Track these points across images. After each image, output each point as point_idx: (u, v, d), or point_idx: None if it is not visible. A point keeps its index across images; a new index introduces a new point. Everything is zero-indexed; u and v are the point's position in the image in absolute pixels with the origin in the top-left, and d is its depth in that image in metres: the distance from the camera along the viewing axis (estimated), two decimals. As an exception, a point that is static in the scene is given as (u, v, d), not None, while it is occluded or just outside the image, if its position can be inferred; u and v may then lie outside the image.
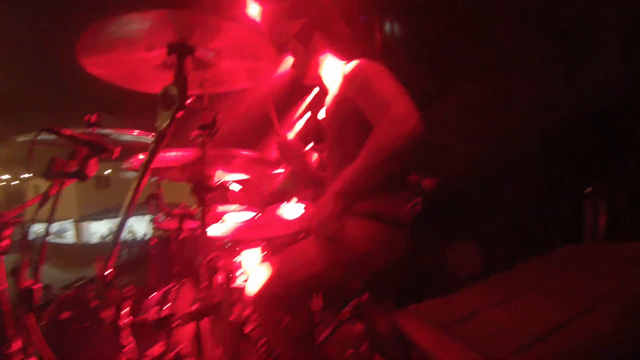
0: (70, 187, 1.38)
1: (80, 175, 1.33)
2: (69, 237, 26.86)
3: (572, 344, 0.93)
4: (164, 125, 0.91)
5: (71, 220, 26.55)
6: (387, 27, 4.06)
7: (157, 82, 1.09)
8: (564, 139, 2.59)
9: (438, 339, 1.02)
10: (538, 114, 2.77)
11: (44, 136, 1.33)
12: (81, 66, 1.08)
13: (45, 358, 1.26)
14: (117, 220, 1.07)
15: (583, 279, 1.33)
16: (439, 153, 2.79)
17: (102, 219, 26.59)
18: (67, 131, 1.33)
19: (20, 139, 1.46)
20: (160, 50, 1.07)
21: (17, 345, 1.26)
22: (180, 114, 0.93)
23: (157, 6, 0.92)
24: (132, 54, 1.11)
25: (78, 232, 26.85)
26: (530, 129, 2.76)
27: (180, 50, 1.03)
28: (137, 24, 0.98)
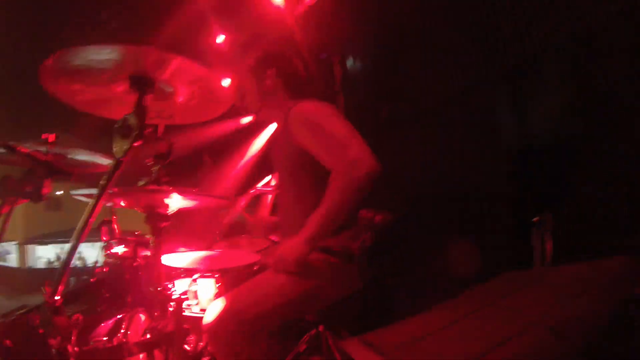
0: (17, 208, 1.34)
1: (35, 196, 1.30)
2: (12, 261, 25.29)
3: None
4: (121, 153, 0.92)
5: (15, 242, 25.03)
6: (350, 62, 4.22)
7: (119, 108, 1.11)
8: (512, 171, 2.76)
9: None
10: (487, 148, 2.93)
11: None
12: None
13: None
14: (66, 245, 1.05)
15: (522, 302, 1.41)
16: (389, 185, 2.88)
17: (49, 243, 25.26)
18: (24, 149, 1.30)
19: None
20: (123, 81, 1.09)
21: None
22: (138, 143, 0.94)
23: (121, 42, 0.95)
24: (95, 84, 1.12)
25: (22, 255, 25.31)
26: (481, 163, 2.91)
27: (141, 83, 1.06)
28: (101, 56, 1.01)
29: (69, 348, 1.05)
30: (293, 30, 4.09)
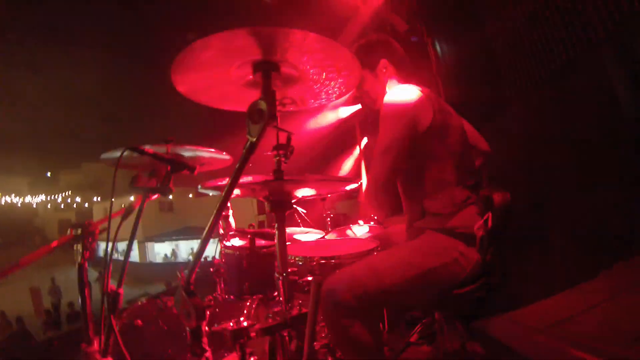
0: (135, 210, 1.45)
1: (164, 190, 1.40)
2: (133, 257, 28.48)
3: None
4: (255, 135, 0.95)
5: (135, 241, 28.02)
6: (441, 47, 4.05)
7: (242, 100, 1.14)
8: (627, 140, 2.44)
9: (538, 342, 1.00)
10: (605, 119, 2.62)
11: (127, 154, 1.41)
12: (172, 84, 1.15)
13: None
14: (180, 242, 1.10)
15: None
16: (505, 165, 2.70)
17: (164, 241, 28.00)
18: (150, 150, 1.41)
19: (105, 156, 1.56)
20: (248, 69, 1.14)
21: (97, 344, 1.34)
22: (271, 124, 0.96)
23: (240, 25, 0.97)
24: (221, 74, 1.17)
25: (142, 252, 28.32)
26: (601, 135, 2.61)
27: (265, 67, 1.08)
28: (223, 43, 1.04)
29: (203, 327, 1.09)
30: (377, 19, 4.03)
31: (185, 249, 27.44)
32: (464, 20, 3.85)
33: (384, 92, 1.81)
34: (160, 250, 28.47)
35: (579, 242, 2.47)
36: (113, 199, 1.44)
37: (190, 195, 30.98)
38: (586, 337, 0.97)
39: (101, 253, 1.46)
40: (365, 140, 2.39)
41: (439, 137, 1.61)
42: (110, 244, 1.32)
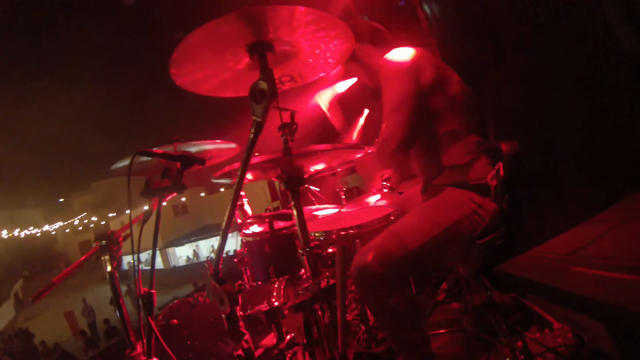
0: (152, 219, 1.47)
1: (178, 187, 1.42)
2: (157, 264, 28.73)
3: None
4: (260, 115, 0.97)
5: (157, 248, 28.42)
6: (430, 7, 3.99)
7: (242, 86, 1.16)
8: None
9: (559, 270, 1.03)
10: (604, 57, 2.58)
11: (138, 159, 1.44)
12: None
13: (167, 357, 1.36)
14: (200, 242, 1.13)
15: None
16: (508, 115, 2.69)
17: (184, 244, 28.36)
18: (159, 150, 1.43)
19: (115, 167, 1.59)
20: (242, 53, 1.15)
21: (140, 347, 1.39)
22: (274, 102, 0.98)
23: (228, 10, 0.99)
24: (216, 62, 1.19)
25: (165, 258, 28.71)
26: (602, 73, 2.58)
27: (260, 48, 1.10)
28: (213, 32, 1.06)
29: (238, 312, 1.12)
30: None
31: (206, 247, 27.74)
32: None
33: (373, 68, 1.86)
34: (182, 254, 28.86)
35: (589, 179, 2.47)
36: (130, 207, 1.47)
37: (202, 194, 31.15)
38: (602, 258, 0.99)
39: (125, 266, 1.50)
40: (366, 112, 2.39)
41: (442, 90, 1.64)
42: (134, 250, 1.35)
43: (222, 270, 1.14)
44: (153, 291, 1.40)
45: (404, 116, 1.59)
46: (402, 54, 1.67)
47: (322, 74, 1.37)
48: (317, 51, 1.23)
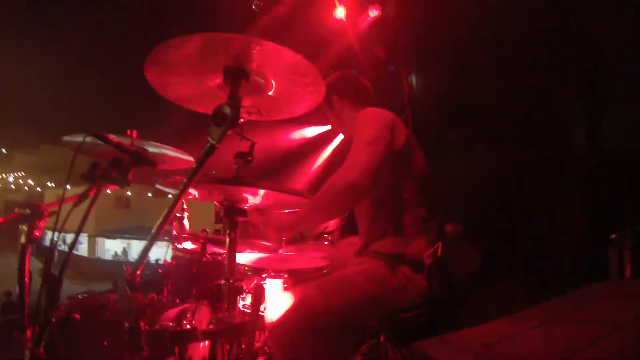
0: (88, 203, 1.40)
1: (122, 182, 1.37)
2: (82, 250, 27.18)
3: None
4: (217, 138, 0.96)
5: (86, 234, 26.90)
6: (414, 79, 4.20)
7: (210, 103, 1.15)
8: (587, 187, 2.61)
9: None
10: (561, 162, 2.79)
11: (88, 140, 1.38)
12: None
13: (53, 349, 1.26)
14: (132, 241, 1.09)
15: (605, 310, 1.37)
16: (458, 201, 2.80)
17: (116, 238, 26.95)
18: (114, 138, 1.38)
19: (67, 138, 1.52)
20: (218, 73, 1.15)
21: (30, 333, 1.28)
22: (231, 130, 0.98)
23: (215, 30, 1.00)
24: (192, 74, 1.18)
25: (92, 246, 27.13)
26: (555, 178, 2.77)
27: (235, 73, 1.10)
28: (197, 45, 1.06)
29: (142, 325, 1.07)
30: (358, 44, 4.15)
31: (137, 248, 26.32)
32: (441, 57, 4.01)
33: (346, 123, 1.91)
34: (111, 247, 27.36)
35: (521, 275, 2.58)
36: (68, 185, 1.40)
37: (150, 195, 30.02)
38: (517, 356, 1.04)
39: (48, 242, 1.41)
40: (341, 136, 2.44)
41: (408, 158, 1.66)
42: (57, 229, 1.27)
43: (139, 277, 1.09)
44: (61, 278, 1.30)
45: (377, 152, 1.51)
46: (378, 110, 1.69)
47: (287, 115, 1.39)
48: (289, 93, 1.25)
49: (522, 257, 2.70)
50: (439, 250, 1.61)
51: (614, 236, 2.23)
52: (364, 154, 1.51)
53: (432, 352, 1.24)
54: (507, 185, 2.96)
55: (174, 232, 2.26)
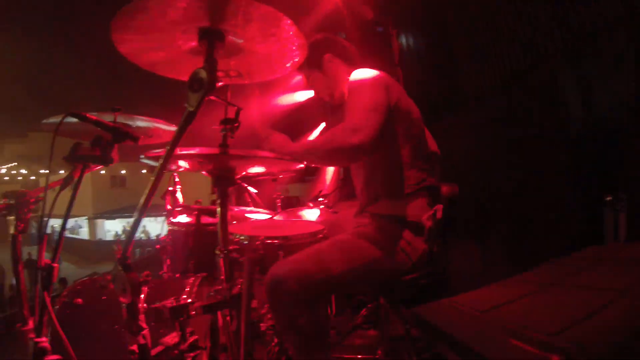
0: (86, 185, 1.36)
1: (105, 160, 1.33)
2: (83, 234, 27.32)
3: (601, 329, 0.94)
4: (194, 105, 0.91)
5: (85, 217, 26.99)
6: (404, 39, 4.09)
7: (185, 69, 1.09)
8: (582, 150, 2.60)
9: (472, 327, 1.03)
10: (556, 127, 2.76)
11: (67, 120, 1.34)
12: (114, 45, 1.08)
13: (58, 337, 1.26)
14: (131, 220, 1.07)
15: (604, 276, 1.36)
16: (454, 162, 2.78)
17: (116, 218, 27.10)
18: (93, 116, 1.33)
19: (46, 121, 1.47)
20: (192, 35, 1.08)
21: (31, 323, 1.27)
22: (209, 96, 0.93)
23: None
24: (165, 38, 1.11)
25: (92, 229, 27.25)
26: (550, 142, 2.74)
27: (211, 35, 1.04)
28: (171, 5, 0.99)
29: (139, 304, 1.05)
30: (345, 5, 4.03)
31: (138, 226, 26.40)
32: (429, 17, 3.91)
33: (338, 83, 1.84)
34: (111, 228, 27.48)
35: (517, 237, 2.59)
36: (50, 169, 1.36)
37: (144, 171, 29.80)
38: (513, 324, 1.01)
39: (49, 230, 1.38)
40: (322, 125, 2.37)
41: (402, 117, 1.61)
42: (44, 214, 1.25)
43: (130, 255, 1.07)
44: (55, 264, 1.28)
45: (380, 119, 1.48)
46: (372, 71, 1.64)
47: (269, 76, 1.33)
48: (269, 52, 1.19)
49: (517, 219, 2.69)
50: (439, 213, 1.60)
51: (609, 198, 2.21)
52: (368, 119, 1.46)
53: (429, 316, 1.22)
54: (501, 146, 2.93)
55: (168, 207, 2.24)
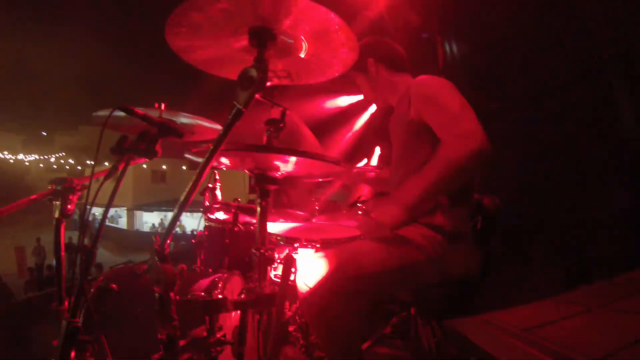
0: (127, 178, 1.40)
1: (149, 153, 1.36)
2: (122, 224, 28.36)
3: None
4: (243, 102, 0.92)
5: (125, 208, 28.03)
6: (449, 47, 4.03)
7: (236, 68, 1.10)
8: (633, 163, 2.46)
9: (510, 346, 0.99)
10: (597, 136, 2.63)
11: (116, 114, 1.38)
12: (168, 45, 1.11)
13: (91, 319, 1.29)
14: (168, 213, 1.08)
15: None
16: (497, 172, 2.70)
17: (154, 210, 27.99)
18: (140, 111, 1.37)
19: (97, 114, 1.53)
20: (244, 35, 1.10)
21: (67, 304, 1.31)
22: (259, 95, 0.94)
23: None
24: (217, 36, 1.13)
25: (130, 219, 28.26)
26: (590, 155, 2.62)
27: (262, 34, 1.05)
28: (220, 5, 1.00)
29: (172, 295, 1.06)
30: (391, 10, 4.01)
31: (174, 220, 27.11)
32: (475, 26, 3.83)
33: (386, 87, 1.83)
34: (149, 220, 28.42)
35: (561, 254, 2.48)
36: (96, 160, 1.41)
37: (184, 167, 30.72)
38: (558, 345, 0.96)
39: (90, 217, 1.42)
40: (378, 151, 2.36)
41: None
42: (89, 202, 1.28)
43: (168, 248, 1.09)
44: (94, 250, 1.32)
45: (475, 116, 1.42)
46: (436, 78, 1.61)
47: (321, 79, 1.32)
48: (317, 56, 1.18)
49: (563, 236, 2.57)
50: (479, 224, 1.55)
51: None
52: (470, 120, 1.41)
53: (465, 330, 1.18)
54: (548, 159, 2.82)
55: (207, 203, 2.28)
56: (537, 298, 1.51)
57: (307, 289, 1.40)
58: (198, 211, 2.38)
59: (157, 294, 1.06)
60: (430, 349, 1.80)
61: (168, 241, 1.08)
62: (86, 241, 1.29)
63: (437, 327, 1.84)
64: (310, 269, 1.43)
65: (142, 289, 1.93)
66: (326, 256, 1.45)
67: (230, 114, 0.94)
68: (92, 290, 1.80)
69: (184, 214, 1.10)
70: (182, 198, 1.03)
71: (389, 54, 1.85)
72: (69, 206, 1.54)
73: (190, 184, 1.01)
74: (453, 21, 3.97)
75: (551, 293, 1.56)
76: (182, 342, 1.44)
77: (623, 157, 2.51)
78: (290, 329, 1.89)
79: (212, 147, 0.97)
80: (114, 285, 1.87)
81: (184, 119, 1.65)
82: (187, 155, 1.48)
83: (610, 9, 2.50)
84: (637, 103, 2.56)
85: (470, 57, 3.91)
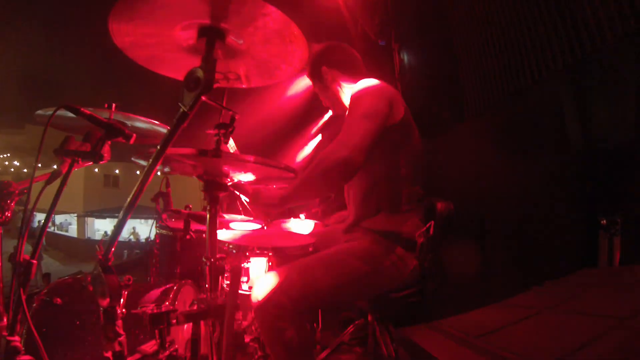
0: (78, 183, 1.31)
1: (95, 156, 1.29)
2: (72, 231, 26.99)
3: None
4: (188, 105, 0.87)
5: (75, 214, 26.72)
6: (406, 55, 4.11)
7: (181, 68, 1.05)
8: (579, 172, 2.59)
9: (460, 354, 0.99)
10: (554, 148, 2.75)
11: (61, 113, 1.30)
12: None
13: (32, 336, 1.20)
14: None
15: (599, 300, 1.33)
16: (451, 178, 2.76)
17: (106, 217, 26.85)
18: (87, 110, 1.29)
19: (39, 112, 1.43)
20: (192, 32, 1.04)
21: (5, 321, 1.21)
22: (204, 97, 0.89)
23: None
24: (163, 32, 1.07)
25: (81, 227, 26.95)
26: (546, 163, 2.74)
27: (211, 33, 1.00)
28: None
29: (117, 309, 1.00)
30: (348, 17, 4.05)
31: (128, 228, 26.19)
32: (432, 35, 3.93)
33: (336, 94, 1.82)
34: (101, 227, 27.20)
35: (513, 258, 2.56)
36: (36, 163, 1.32)
37: (138, 172, 29.64)
38: (508, 352, 0.97)
39: (35, 224, 1.32)
40: (319, 137, 2.34)
41: (405, 133, 1.59)
42: (27, 208, 1.20)
43: (112, 257, 1.02)
44: (33, 261, 1.23)
45: (372, 127, 1.44)
46: (374, 82, 1.61)
47: (269, 81, 1.29)
48: (267, 59, 1.15)
49: (512, 241, 2.66)
50: (431, 229, 1.56)
51: (604, 222, 2.19)
52: (359, 128, 1.43)
53: (419, 339, 1.18)
54: (498, 167, 2.92)
55: (158, 209, 2.18)
56: (490, 302, 1.54)
57: (260, 301, 1.37)
58: (152, 218, 2.29)
59: (101, 308, 0.99)
60: (390, 355, 1.80)
61: (112, 250, 1.01)
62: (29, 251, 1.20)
63: (394, 333, 1.85)
64: (263, 282, 1.41)
65: (89, 303, 1.82)
66: (279, 270, 1.43)
67: (176, 117, 0.89)
68: (34, 304, 1.68)
69: (138, 221, 1.03)
70: (125, 204, 0.97)
71: (344, 59, 1.83)
72: (7, 213, 1.43)
73: (135, 189, 0.96)
74: (409, 30, 4.06)
75: (503, 296, 1.59)
76: (130, 359, 1.36)
77: (570, 166, 2.63)
78: (247, 339, 1.84)
79: (156, 152, 0.91)
80: (58, 299, 1.75)
81: (137, 122, 1.58)
82: (134, 160, 1.41)
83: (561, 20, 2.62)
84: (581, 112, 2.69)
85: (425, 65, 4.00)
